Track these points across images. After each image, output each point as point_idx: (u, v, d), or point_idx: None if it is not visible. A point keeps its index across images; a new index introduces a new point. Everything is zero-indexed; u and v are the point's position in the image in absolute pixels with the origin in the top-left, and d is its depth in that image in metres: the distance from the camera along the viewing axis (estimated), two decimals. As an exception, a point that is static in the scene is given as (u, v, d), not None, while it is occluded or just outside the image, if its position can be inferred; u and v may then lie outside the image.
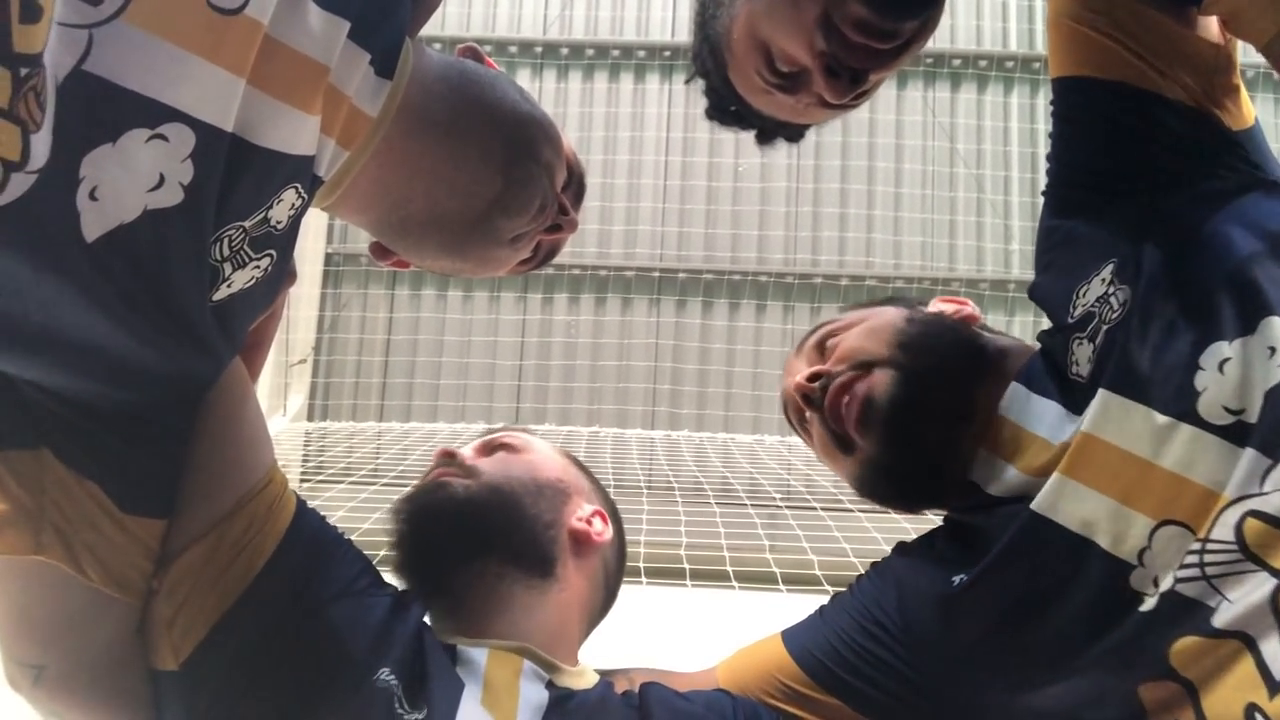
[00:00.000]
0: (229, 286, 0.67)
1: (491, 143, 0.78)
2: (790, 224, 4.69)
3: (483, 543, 0.87)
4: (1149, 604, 0.68)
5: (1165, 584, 0.67)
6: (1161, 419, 0.69)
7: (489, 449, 0.99)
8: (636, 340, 4.63)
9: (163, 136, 0.55)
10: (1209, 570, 0.65)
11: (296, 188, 0.68)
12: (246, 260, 0.67)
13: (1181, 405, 0.69)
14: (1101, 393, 0.73)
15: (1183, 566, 0.66)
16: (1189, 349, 0.70)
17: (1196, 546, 0.66)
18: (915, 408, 0.85)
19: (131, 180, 0.55)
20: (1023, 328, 4.50)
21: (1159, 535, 0.68)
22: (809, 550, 2.53)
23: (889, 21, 0.77)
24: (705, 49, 0.92)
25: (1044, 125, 4.67)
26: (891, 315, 0.94)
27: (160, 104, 0.54)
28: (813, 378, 0.91)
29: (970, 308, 0.98)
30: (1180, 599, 0.66)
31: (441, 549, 0.87)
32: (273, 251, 0.70)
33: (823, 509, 2.95)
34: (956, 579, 0.82)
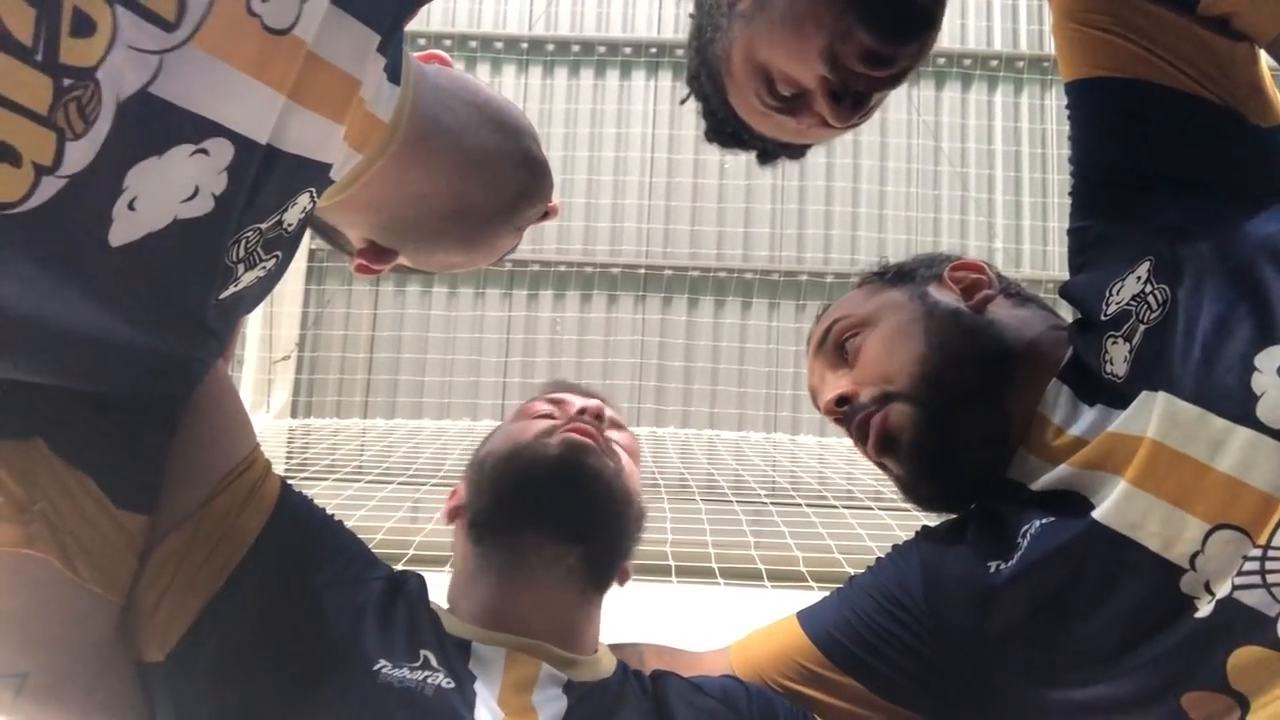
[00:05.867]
0: (236, 285, 0.67)
1: (507, 141, 0.83)
2: (775, 221, 4.70)
3: (588, 533, 0.82)
4: (1204, 611, 0.66)
5: (1221, 591, 0.65)
6: (1219, 422, 0.68)
7: (615, 426, 0.94)
8: (622, 337, 4.63)
9: (204, 150, 0.56)
10: (1270, 578, 0.63)
11: (311, 191, 0.69)
12: (258, 261, 0.67)
13: (1240, 408, 0.67)
14: (1158, 395, 0.72)
15: (1241, 574, 0.64)
16: (1244, 350, 0.69)
17: (1256, 553, 0.64)
18: (940, 441, 0.85)
19: (169, 191, 0.56)
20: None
21: (1213, 540, 0.66)
22: (794, 546, 2.54)
23: (893, 48, 0.78)
24: (703, 72, 0.92)
25: (1027, 123, 4.70)
26: (906, 318, 0.91)
27: (209, 120, 0.55)
28: (840, 401, 0.91)
29: (985, 275, 0.95)
30: (1240, 607, 0.64)
31: (554, 512, 0.81)
32: (280, 252, 0.70)
33: (807, 505, 2.96)
34: (993, 566, 0.80)
